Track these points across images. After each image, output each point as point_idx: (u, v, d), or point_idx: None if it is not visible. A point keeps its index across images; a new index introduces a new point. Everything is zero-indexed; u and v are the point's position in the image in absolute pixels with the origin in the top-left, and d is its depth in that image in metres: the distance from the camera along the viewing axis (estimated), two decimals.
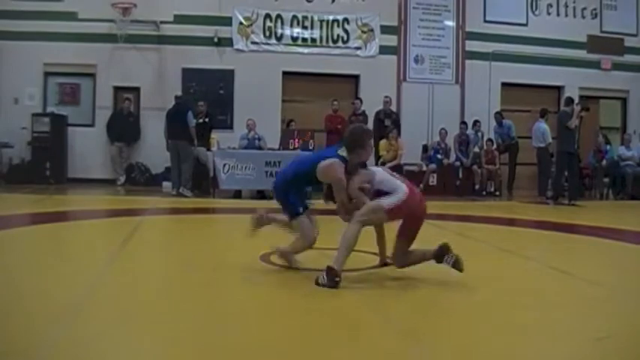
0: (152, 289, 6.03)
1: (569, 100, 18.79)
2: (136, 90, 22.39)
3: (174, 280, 6.65)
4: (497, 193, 21.65)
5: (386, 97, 21.10)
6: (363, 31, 23.45)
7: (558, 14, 24.83)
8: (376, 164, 19.22)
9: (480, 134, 22.57)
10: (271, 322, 5.37)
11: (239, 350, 4.61)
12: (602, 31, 25.05)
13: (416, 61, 23.76)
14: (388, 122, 20.07)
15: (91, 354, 4.46)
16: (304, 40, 23.22)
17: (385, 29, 23.56)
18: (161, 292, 6.00)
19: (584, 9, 25.00)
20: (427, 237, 12.25)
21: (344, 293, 6.28)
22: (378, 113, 20.63)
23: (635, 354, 4.86)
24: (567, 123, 18.22)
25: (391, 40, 23.63)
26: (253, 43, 22.81)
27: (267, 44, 22.95)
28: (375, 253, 7.98)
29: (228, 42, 22.64)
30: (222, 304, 5.85)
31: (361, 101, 20.85)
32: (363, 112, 20.67)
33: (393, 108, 22.51)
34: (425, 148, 22.66)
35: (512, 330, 5.28)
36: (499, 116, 22.47)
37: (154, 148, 20.97)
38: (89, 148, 21.73)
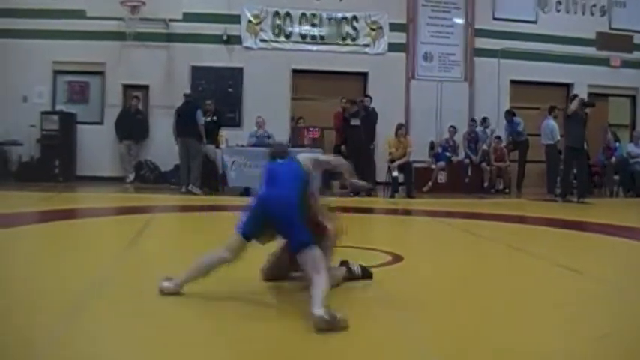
0: (158, 290, 6.03)
1: (575, 97, 18.77)
2: (145, 88, 22.45)
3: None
4: (507, 190, 21.62)
5: (344, 98, 20.73)
6: (372, 29, 23.46)
7: (567, 11, 24.80)
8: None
9: (488, 131, 22.54)
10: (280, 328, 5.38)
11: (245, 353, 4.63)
12: (611, 28, 25.02)
13: (425, 58, 23.75)
14: (356, 122, 19.68)
15: (94, 351, 4.48)
16: (313, 37, 23.25)
17: (394, 27, 23.55)
18: (169, 295, 5.98)
19: (593, 6, 24.96)
20: (437, 234, 12.30)
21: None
22: (343, 112, 20.37)
23: None
24: (567, 111, 18.23)
25: (400, 38, 23.63)
26: (262, 40, 22.85)
27: (276, 42, 22.97)
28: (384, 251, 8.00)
29: (237, 40, 22.68)
30: (230, 307, 5.84)
31: (370, 98, 20.77)
32: (373, 109, 20.55)
33: (400, 106, 22.63)
34: (432, 145, 22.64)
35: (518, 327, 5.27)
36: (509, 115, 22.35)
37: (162, 146, 21.00)
38: (98, 145, 21.75)
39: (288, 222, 5.71)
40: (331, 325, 4.87)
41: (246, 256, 5.90)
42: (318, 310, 4.92)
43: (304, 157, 6.33)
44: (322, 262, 5.56)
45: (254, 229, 5.88)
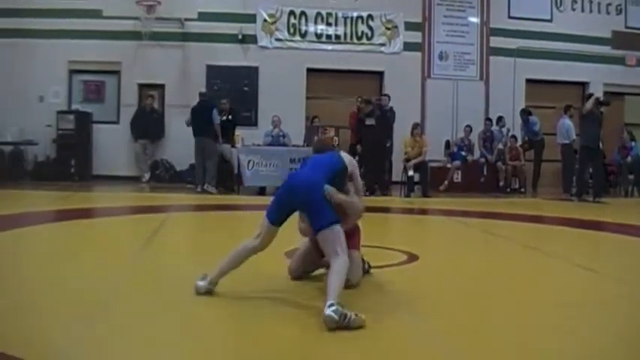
0: (176, 291, 6.05)
1: (590, 97, 18.75)
2: (160, 87, 22.50)
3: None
4: (522, 189, 21.56)
5: (360, 97, 20.69)
6: (387, 28, 23.43)
7: (583, 10, 24.69)
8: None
9: (504, 130, 22.46)
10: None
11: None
12: (626, 27, 24.89)
13: (440, 57, 23.71)
14: (370, 121, 19.63)
15: (114, 349, 4.50)
16: (328, 36, 23.23)
17: (409, 26, 23.52)
18: (185, 293, 6.00)
19: (608, 4, 24.84)
20: (452, 233, 12.29)
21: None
22: (358, 111, 20.34)
23: None
24: (582, 110, 18.26)
25: (415, 37, 23.60)
26: (277, 40, 22.85)
27: (292, 41, 22.96)
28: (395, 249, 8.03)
29: (252, 39, 22.70)
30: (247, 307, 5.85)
31: (389, 97, 20.75)
32: (391, 108, 20.53)
33: (416, 105, 22.70)
34: (447, 144, 22.62)
35: (537, 329, 5.27)
36: (525, 114, 22.26)
37: (178, 145, 21.01)
38: (114, 145, 21.80)
39: (311, 202, 5.77)
40: (341, 325, 4.91)
41: (273, 253, 5.91)
42: (329, 310, 4.96)
43: (349, 158, 6.42)
44: (342, 242, 5.62)
45: (280, 215, 5.95)
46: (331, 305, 4.99)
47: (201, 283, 5.94)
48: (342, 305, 5.03)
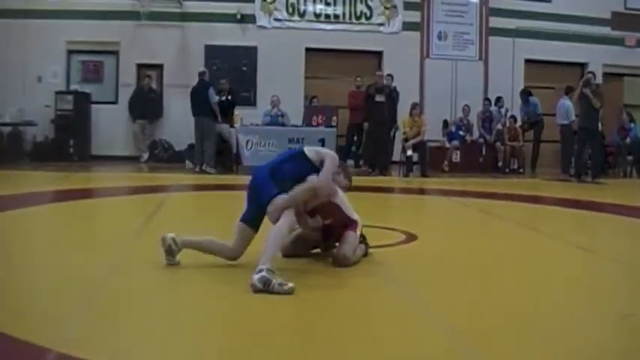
0: (172, 270, 6.07)
1: (588, 74, 18.83)
2: (159, 67, 22.45)
3: (197, 259, 6.57)
4: (521, 170, 21.56)
5: (379, 72, 20.81)
6: (386, 7, 23.34)
7: None
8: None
9: (502, 110, 22.44)
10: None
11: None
12: (626, 8, 24.80)
13: (439, 37, 23.66)
14: (380, 98, 19.58)
15: (109, 325, 4.51)
16: (327, 16, 23.15)
17: (408, 5, 23.44)
18: (180, 273, 6.02)
19: None
20: (451, 213, 12.31)
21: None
22: (368, 87, 20.12)
23: None
24: (573, 96, 18.45)
25: (414, 17, 23.52)
26: (276, 19, 22.78)
27: (290, 21, 22.90)
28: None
29: (251, 19, 22.63)
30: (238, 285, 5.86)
31: (392, 77, 20.65)
32: (394, 88, 20.38)
33: (415, 85, 22.63)
34: (446, 124, 22.60)
35: (534, 308, 5.28)
36: (524, 94, 22.23)
37: (177, 125, 21.04)
38: (112, 125, 21.82)
39: (261, 184, 6.02)
40: (265, 291, 5.16)
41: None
42: (255, 275, 5.24)
43: (322, 151, 6.29)
44: (284, 212, 5.73)
45: (248, 210, 6.14)
46: (260, 271, 5.25)
47: (170, 235, 6.10)
48: (273, 272, 5.27)
